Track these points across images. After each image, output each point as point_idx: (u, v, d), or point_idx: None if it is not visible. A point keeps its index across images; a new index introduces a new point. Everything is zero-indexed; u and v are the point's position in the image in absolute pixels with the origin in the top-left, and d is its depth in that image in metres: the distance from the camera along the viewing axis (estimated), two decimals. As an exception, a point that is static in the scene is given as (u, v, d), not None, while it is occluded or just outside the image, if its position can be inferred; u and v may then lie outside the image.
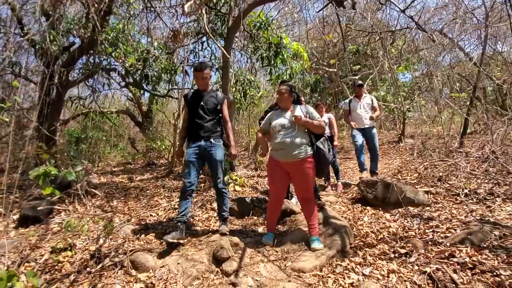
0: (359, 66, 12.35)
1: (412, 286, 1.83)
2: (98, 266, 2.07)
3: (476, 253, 2.04)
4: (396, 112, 9.03)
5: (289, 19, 9.18)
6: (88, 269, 2.07)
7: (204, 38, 6.28)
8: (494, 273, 1.81)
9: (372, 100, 4.38)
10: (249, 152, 7.31)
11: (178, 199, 2.97)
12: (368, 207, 3.39)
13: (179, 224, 2.46)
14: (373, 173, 4.24)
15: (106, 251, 2.29)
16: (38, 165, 4.04)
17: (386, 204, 3.32)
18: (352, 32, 10.49)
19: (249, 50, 6.26)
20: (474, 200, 3.14)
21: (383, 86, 10.86)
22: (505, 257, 1.96)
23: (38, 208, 3.01)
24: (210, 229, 2.87)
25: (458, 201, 3.20)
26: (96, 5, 4.10)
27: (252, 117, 9.84)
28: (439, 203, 3.21)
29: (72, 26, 5.63)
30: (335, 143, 4.28)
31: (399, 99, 8.27)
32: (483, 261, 1.94)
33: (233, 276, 2.04)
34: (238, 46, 6.35)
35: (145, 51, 5.84)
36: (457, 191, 3.41)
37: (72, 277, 1.98)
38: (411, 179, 4.32)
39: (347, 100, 4.69)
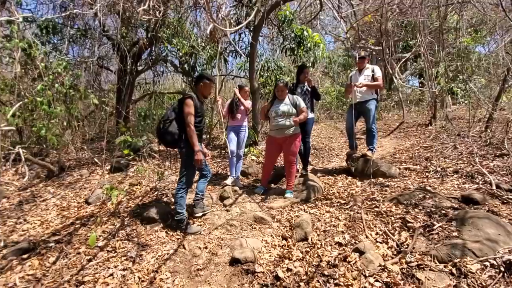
0: (414, 41, 11.78)
1: (336, 219, 2.84)
2: (154, 194, 3.55)
3: (392, 206, 2.90)
4: (429, 95, 8.91)
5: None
6: (148, 194, 3.56)
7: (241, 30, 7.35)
8: (393, 216, 2.70)
9: (373, 71, 4.19)
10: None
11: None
12: (350, 177, 4.26)
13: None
14: (369, 150, 4.31)
15: (159, 188, 3.78)
16: (118, 135, 5.81)
17: (363, 175, 4.15)
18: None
19: (278, 41, 7.13)
20: (438, 176, 3.78)
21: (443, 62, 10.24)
22: (410, 208, 2.79)
23: (121, 162, 4.69)
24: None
25: (425, 176, 3.87)
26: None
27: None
28: (407, 176, 3.93)
29: (138, 24, 7.21)
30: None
31: (433, 81, 8.19)
32: (392, 210, 2.82)
33: (228, 207, 3.31)
34: (268, 37, 7.26)
35: (191, 46, 7.16)
36: (431, 169, 4.04)
37: (139, 198, 3.49)
38: (404, 158, 4.94)
39: (351, 74, 4.61)
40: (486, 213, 2.42)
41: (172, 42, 7.16)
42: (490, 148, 4.53)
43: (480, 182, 3.33)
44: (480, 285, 1.80)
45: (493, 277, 1.84)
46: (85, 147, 5.26)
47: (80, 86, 5.55)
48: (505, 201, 2.85)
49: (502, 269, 1.87)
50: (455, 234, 2.27)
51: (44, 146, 4.77)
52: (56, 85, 4.42)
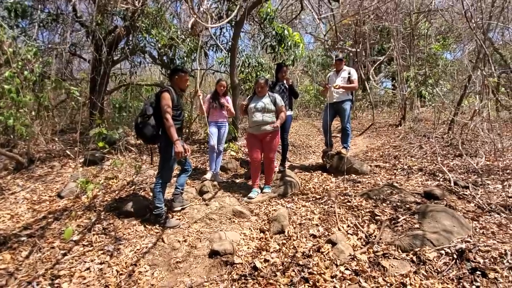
0: (389, 45, 12.33)
1: (311, 213, 2.99)
2: (131, 188, 3.51)
3: (363, 200, 3.11)
4: (399, 97, 9.43)
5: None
6: (125, 188, 3.51)
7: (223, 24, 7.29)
8: (363, 210, 2.90)
9: (349, 73, 4.42)
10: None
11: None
12: (325, 173, 4.46)
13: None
14: (343, 148, 4.62)
15: (136, 182, 3.73)
16: (92, 127, 5.60)
17: (338, 171, 4.36)
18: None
19: (259, 38, 7.18)
20: (405, 173, 4.07)
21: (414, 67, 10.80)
22: (379, 203, 3.01)
23: (96, 155, 4.55)
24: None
25: (393, 173, 4.15)
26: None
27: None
28: (377, 173, 4.19)
29: (115, 12, 6.90)
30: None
31: (404, 83, 8.68)
32: (363, 204, 3.02)
33: (207, 201, 3.35)
34: (250, 34, 7.29)
35: (171, 38, 7.00)
36: (399, 167, 4.33)
37: (116, 192, 3.44)
38: (376, 156, 5.25)
39: (328, 75, 4.87)
40: (444, 207, 2.68)
41: (150, 33, 6.97)
42: (450, 148, 4.93)
43: (441, 180, 3.64)
44: (436, 270, 2.02)
45: (447, 263, 2.06)
46: (56, 139, 5.03)
47: (50, 74, 5.28)
48: (461, 196, 3.16)
49: (455, 256, 2.10)
50: (416, 226, 2.50)
51: (12, 136, 4.51)
52: (25, 72, 4.18)
